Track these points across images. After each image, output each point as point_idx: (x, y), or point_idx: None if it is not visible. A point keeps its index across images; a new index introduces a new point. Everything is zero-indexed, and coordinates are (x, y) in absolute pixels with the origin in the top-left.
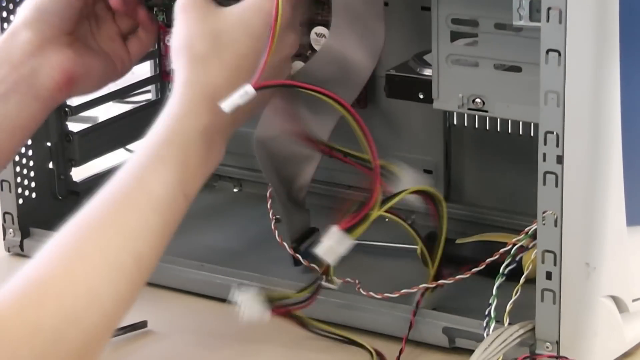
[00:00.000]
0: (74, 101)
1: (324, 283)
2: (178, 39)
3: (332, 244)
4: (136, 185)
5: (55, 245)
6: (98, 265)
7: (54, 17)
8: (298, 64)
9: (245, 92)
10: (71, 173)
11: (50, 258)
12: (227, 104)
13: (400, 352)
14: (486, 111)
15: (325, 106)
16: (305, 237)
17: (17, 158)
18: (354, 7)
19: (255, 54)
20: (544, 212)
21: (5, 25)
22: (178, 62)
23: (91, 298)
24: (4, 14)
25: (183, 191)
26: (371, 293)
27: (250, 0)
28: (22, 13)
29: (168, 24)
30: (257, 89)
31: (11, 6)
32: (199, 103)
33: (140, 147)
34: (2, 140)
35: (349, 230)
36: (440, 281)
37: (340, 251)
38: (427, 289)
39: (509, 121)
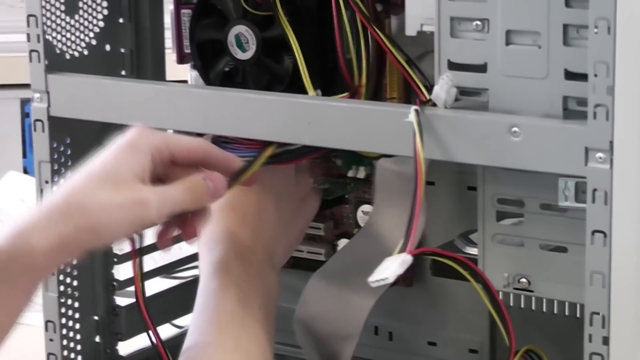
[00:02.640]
0: (121, 275)
1: None
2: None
3: None
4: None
5: None
6: None
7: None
8: (343, 242)
9: (403, 261)
10: (117, 347)
11: None
12: (390, 274)
13: None
14: (532, 291)
15: (365, 289)
16: None
17: (64, 331)
18: (395, 186)
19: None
20: None
21: None
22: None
23: None
24: None
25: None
26: None
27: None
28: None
29: None
30: (413, 255)
31: None
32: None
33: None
34: (3, 332)
35: None
36: None
37: None
38: None
39: (555, 301)
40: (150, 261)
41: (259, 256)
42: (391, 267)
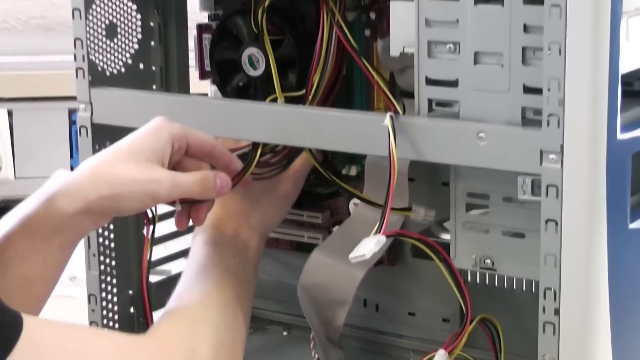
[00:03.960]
0: (152, 257)
1: None
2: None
3: None
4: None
5: None
6: None
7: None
8: (336, 228)
9: (378, 240)
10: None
11: None
12: (367, 251)
13: None
14: (495, 270)
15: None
16: None
17: (104, 303)
18: (381, 178)
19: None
20: (543, 356)
21: None
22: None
23: None
24: None
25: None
26: None
27: None
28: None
29: None
30: (387, 236)
31: None
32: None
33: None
34: (47, 283)
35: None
36: None
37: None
38: None
39: (514, 278)
40: (177, 245)
41: (233, 221)
42: (368, 246)
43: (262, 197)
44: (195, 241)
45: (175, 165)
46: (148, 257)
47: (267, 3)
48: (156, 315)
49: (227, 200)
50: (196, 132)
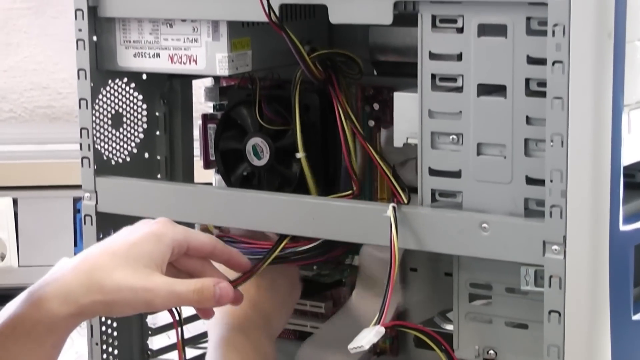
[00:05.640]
0: (155, 345)
1: None
2: None
3: None
4: None
5: None
6: None
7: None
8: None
9: (378, 332)
10: None
11: None
12: (365, 343)
13: None
14: None
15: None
16: None
17: None
18: (376, 270)
19: None
20: None
21: None
22: None
23: None
24: None
25: None
26: None
27: None
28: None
29: None
30: (385, 327)
31: None
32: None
33: None
34: None
35: None
36: None
37: None
38: None
39: None
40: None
41: (258, 328)
42: (367, 337)
43: (286, 300)
44: (216, 345)
45: (174, 262)
46: (181, 338)
47: (300, 75)
48: None
49: (257, 303)
50: (197, 234)
